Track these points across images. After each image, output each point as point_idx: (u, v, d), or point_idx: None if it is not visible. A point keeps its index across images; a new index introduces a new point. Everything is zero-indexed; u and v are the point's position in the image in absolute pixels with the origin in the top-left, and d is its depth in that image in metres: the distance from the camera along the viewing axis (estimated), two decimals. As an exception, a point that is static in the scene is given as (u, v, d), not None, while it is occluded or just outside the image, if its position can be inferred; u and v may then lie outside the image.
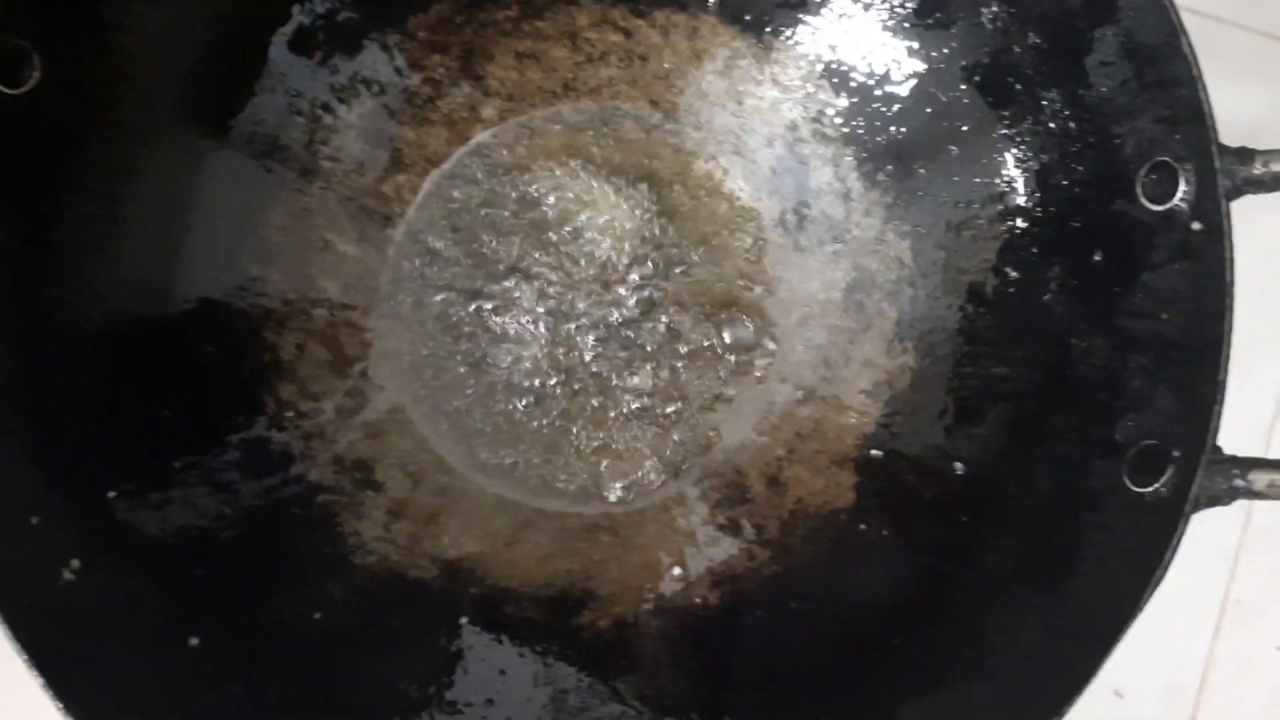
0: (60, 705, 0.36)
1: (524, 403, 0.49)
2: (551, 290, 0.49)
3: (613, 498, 0.49)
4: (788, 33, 0.49)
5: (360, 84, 0.48)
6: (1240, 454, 0.37)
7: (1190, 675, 0.54)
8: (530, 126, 0.50)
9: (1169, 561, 0.37)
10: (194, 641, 0.41)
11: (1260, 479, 0.36)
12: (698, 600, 0.47)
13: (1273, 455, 0.49)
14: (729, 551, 0.48)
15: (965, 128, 0.46)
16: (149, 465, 0.43)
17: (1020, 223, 0.45)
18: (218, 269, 0.46)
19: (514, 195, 0.50)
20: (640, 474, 0.49)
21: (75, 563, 0.39)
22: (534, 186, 0.50)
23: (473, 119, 0.49)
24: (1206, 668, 0.54)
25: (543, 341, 0.49)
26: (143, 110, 0.43)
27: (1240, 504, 0.38)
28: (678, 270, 0.50)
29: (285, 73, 0.47)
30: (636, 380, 0.49)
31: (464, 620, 0.46)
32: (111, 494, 0.41)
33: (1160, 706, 0.53)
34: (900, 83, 0.47)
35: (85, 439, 0.42)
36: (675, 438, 0.49)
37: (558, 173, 0.50)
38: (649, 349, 0.49)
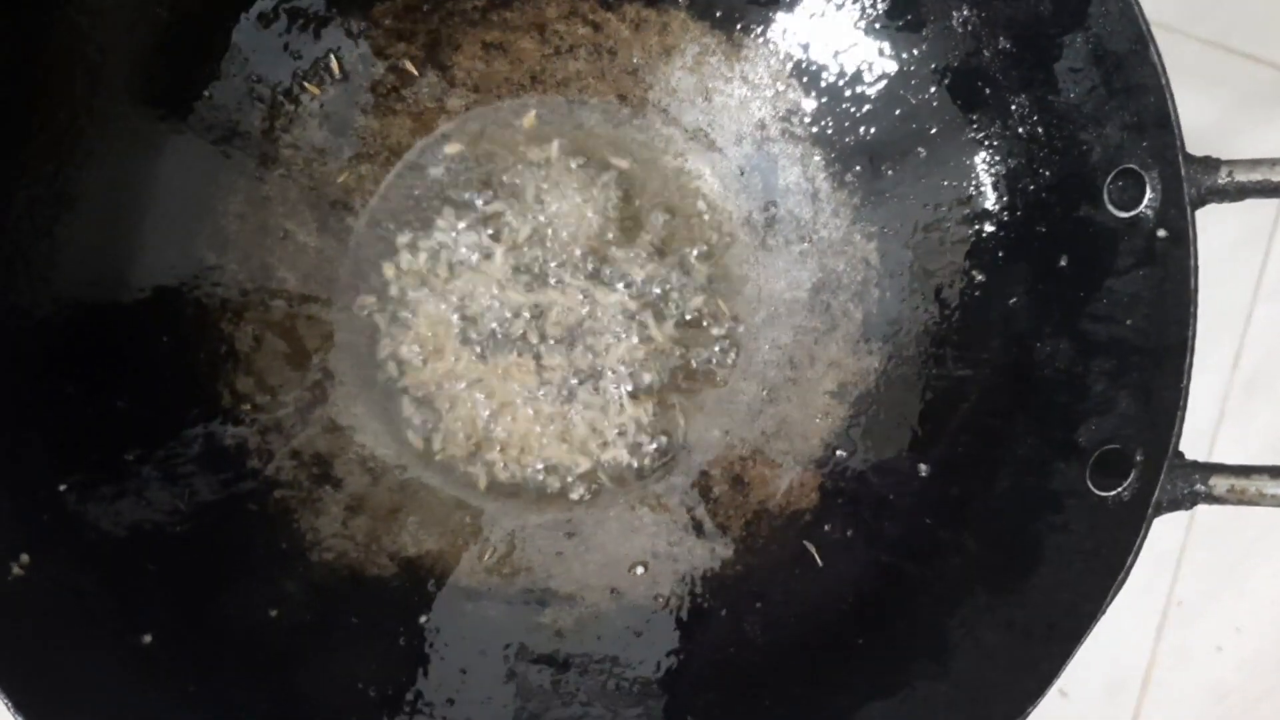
0: (8, 703, 0.35)
1: (486, 398, 0.49)
2: (514, 285, 0.49)
3: (575, 496, 0.49)
4: (758, 30, 0.48)
5: (324, 71, 0.47)
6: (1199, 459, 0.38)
7: (1133, 674, 0.54)
8: (496, 119, 0.49)
9: (1131, 565, 0.37)
10: (147, 639, 0.40)
11: (1221, 484, 0.37)
12: (660, 599, 0.47)
13: (1216, 458, 0.50)
14: (693, 550, 0.48)
15: (934, 130, 0.46)
16: (101, 458, 0.42)
17: (987, 226, 0.45)
18: (172, 257, 0.45)
19: (478, 188, 0.49)
20: (604, 472, 0.49)
21: (24, 557, 0.38)
22: (499, 179, 0.49)
23: (438, 109, 0.49)
24: (1149, 667, 0.54)
25: (505, 336, 0.49)
26: (95, 91, 0.42)
27: (1184, 505, 0.38)
28: (642, 267, 0.49)
29: (247, 58, 0.46)
30: (600, 377, 0.49)
31: (424, 619, 0.45)
32: (62, 487, 0.41)
33: (1104, 705, 0.54)
34: (870, 84, 0.47)
35: (34, 430, 0.40)
36: (639, 437, 0.49)
37: (523, 166, 0.49)
38: (613, 347, 0.49)
